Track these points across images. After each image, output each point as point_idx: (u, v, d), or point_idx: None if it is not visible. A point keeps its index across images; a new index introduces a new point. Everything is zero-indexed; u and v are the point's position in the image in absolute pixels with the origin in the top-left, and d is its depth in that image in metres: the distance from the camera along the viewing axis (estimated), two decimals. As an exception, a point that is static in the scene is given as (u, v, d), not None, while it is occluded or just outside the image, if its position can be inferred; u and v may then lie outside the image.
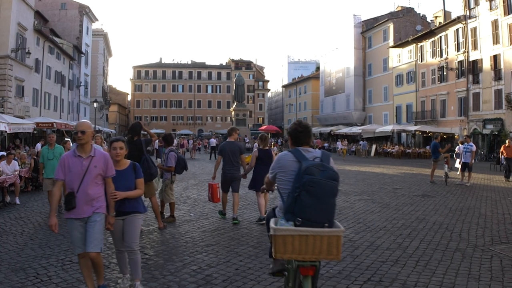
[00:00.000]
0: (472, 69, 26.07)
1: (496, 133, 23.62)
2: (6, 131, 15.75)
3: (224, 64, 69.52)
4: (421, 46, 31.96)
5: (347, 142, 32.15)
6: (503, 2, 22.99)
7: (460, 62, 27.33)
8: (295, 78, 66.19)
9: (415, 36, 32.07)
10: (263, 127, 36.35)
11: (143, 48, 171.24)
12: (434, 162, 11.57)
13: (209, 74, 65.97)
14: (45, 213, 6.81)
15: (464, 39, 26.80)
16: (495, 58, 23.98)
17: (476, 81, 25.79)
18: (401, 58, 34.81)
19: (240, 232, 5.47)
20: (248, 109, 35.83)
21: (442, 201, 8.21)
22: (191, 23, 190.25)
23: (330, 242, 2.39)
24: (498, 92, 23.91)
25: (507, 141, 12.58)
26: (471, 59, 26.12)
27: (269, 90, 74.88)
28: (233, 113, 34.28)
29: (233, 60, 67.90)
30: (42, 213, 6.87)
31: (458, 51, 27.51)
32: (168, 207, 6.45)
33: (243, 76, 64.70)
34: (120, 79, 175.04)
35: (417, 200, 8.35)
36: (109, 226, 3.17)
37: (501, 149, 12.75)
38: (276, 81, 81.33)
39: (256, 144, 9.64)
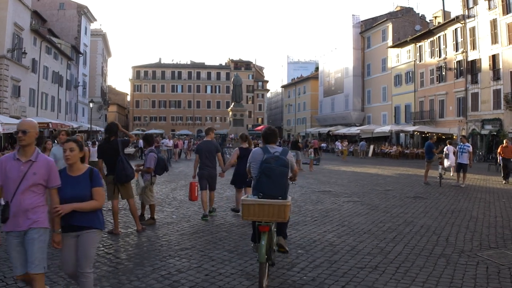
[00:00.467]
0: (470, 69, 25.84)
1: (495, 133, 23.38)
2: (0, 132, 15.65)
3: (223, 64, 69.42)
4: (419, 46, 31.75)
5: (347, 143, 31.48)
6: (502, 1, 22.76)
7: (459, 62, 27.10)
8: (294, 78, 66.05)
9: (413, 36, 31.86)
10: (259, 127, 36.20)
11: (142, 49, 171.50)
12: (428, 163, 11.36)
13: (209, 74, 65.86)
14: None
15: (462, 39, 26.58)
16: (494, 58, 23.75)
17: (474, 81, 25.57)
18: (399, 58, 34.60)
19: (219, 235, 5.29)
20: (246, 109, 35.64)
21: (434, 203, 8.01)
22: (191, 23, 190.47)
23: (280, 209, 3.45)
24: (496, 92, 23.67)
25: (504, 141, 12.08)
26: (469, 59, 25.89)
27: (269, 90, 74.74)
28: (230, 113, 34.05)
29: (232, 60, 67.78)
30: None
31: (456, 51, 27.29)
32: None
33: (243, 76, 64.66)
34: (119, 79, 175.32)
35: (407, 202, 8.15)
36: (55, 245, 2.74)
37: (499, 150, 12.28)
38: (276, 81, 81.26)
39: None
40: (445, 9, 34.17)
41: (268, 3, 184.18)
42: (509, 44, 22.50)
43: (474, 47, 25.51)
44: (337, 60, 43.89)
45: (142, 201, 6.25)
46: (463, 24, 26.32)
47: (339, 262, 4.09)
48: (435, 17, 34.87)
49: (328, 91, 46.86)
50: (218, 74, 65.85)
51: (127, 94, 70.04)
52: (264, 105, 70.20)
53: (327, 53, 46.93)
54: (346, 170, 16.14)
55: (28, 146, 2.73)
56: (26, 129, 2.74)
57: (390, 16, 37.67)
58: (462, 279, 3.70)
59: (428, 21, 36.28)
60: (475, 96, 25.62)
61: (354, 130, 34.82)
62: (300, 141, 25.97)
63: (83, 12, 39.62)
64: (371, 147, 29.72)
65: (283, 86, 69.20)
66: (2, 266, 3.98)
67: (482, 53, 24.80)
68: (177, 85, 64.64)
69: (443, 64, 28.55)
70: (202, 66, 66.77)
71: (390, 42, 35.58)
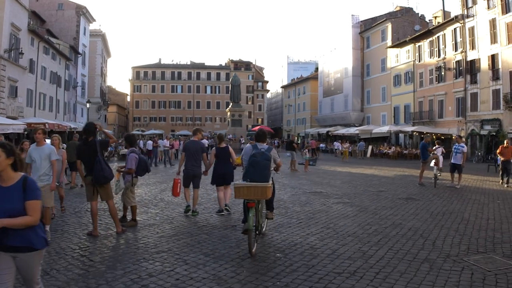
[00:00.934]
0: (470, 69, 25.62)
1: (494, 133, 23.14)
2: (-4, 132, 15.56)
3: (223, 64, 69.32)
4: (419, 46, 31.53)
5: (349, 144, 30.92)
6: (501, 0, 22.55)
7: (458, 62, 26.89)
8: (294, 78, 65.91)
9: (413, 36, 31.66)
10: (255, 128, 35.91)
11: (142, 49, 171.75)
12: (423, 164, 11.19)
13: (208, 74, 65.78)
14: None
15: (462, 39, 26.36)
16: (493, 58, 23.53)
17: (474, 81, 25.35)
18: (399, 58, 34.39)
19: (198, 238, 5.14)
20: (245, 110, 35.52)
21: (426, 205, 7.83)
22: (191, 24, 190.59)
23: (262, 190, 4.50)
24: (496, 92, 23.44)
25: (505, 142, 11.63)
26: (469, 58, 25.68)
27: (268, 90, 74.61)
28: (229, 113, 33.99)
29: (232, 61, 67.68)
30: None
31: (456, 51, 27.08)
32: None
33: (243, 77, 64.64)
34: (119, 80, 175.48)
35: (399, 203, 7.98)
36: None
37: (498, 150, 11.62)
38: (276, 82, 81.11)
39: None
40: (445, 9, 33.94)
41: (268, 4, 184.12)
42: (508, 44, 22.29)
43: (473, 47, 25.29)
44: (337, 60, 43.70)
45: (124, 203, 6.12)
46: (462, 24, 26.11)
47: (317, 267, 3.93)
48: (435, 17, 34.64)
49: (328, 92, 46.67)
50: (218, 75, 65.76)
51: (127, 95, 70.03)
52: (264, 106, 70.07)
53: (327, 53, 46.76)
54: (341, 171, 15.96)
55: None
56: None
57: (389, 16, 37.47)
58: (444, 286, 3.53)
59: (428, 21, 36.06)
60: (474, 96, 25.39)
61: (352, 130, 34.62)
62: (298, 141, 25.70)
63: (82, 12, 39.60)
64: (370, 147, 29.51)
65: (283, 87, 69.05)
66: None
67: (481, 53, 24.58)
68: (177, 86, 64.58)
69: (442, 64, 28.34)
70: (202, 66, 66.71)
71: (389, 42, 35.38)
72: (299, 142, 38.80)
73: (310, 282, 3.54)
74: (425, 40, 30.64)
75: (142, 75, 64.30)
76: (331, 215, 6.66)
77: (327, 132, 41.64)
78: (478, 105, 24.97)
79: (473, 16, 25.12)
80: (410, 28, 35.26)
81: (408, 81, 32.95)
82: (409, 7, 38.78)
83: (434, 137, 15.01)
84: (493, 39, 23.42)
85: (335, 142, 33.21)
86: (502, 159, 11.31)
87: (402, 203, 8.04)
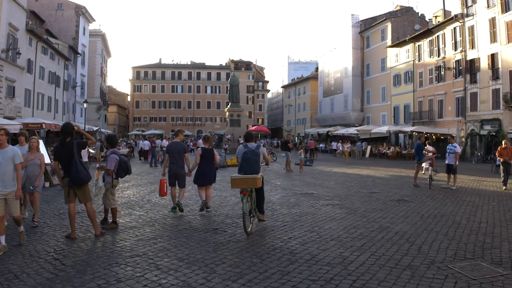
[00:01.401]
0: (469, 68, 25.37)
1: (494, 133, 22.87)
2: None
3: (223, 64, 69.22)
4: (418, 45, 31.28)
5: (350, 144, 30.44)
6: (501, -1, 22.31)
7: (458, 62, 26.64)
8: (294, 78, 65.70)
9: (412, 35, 31.41)
10: (253, 128, 35.86)
11: (143, 49, 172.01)
12: (418, 164, 10.99)
13: (209, 74, 65.69)
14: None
15: (461, 38, 26.11)
16: (493, 57, 23.27)
17: (473, 80, 25.08)
18: (398, 58, 34.14)
19: (177, 241, 4.99)
20: (243, 110, 35.35)
21: (417, 207, 7.65)
22: (191, 24, 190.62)
23: (254, 180, 5.49)
24: (495, 92, 23.18)
25: (503, 142, 11.13)
26: (468, 58, 25.42)
27: (269, 90, 74.43)
28: (227, 113, 33.84)
29: (232, 61, 67.57)
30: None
31: (455, 50, 26.82)
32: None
33: (243, 77, 64.53)
34: (120, 80, 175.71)
35: (390, 205, 7.80)
36: None
37: (497, 152, 11.12)
38: (277, 81, 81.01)
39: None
40: (446, 8, 33.62)
41: (268, 4, 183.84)
42: (508, 43, 22.03)
43: (473, 46, 25.03)
44: (337, 60, 43.48)
45: (104, 205, 5.98)
46: (462, 23, 25.85)
47: (292, 274, 3.77)
48: (436, 16, 34.34)
49: (328, 91, 46.45)
50: (218, 75, 65.66)
51: (127, 95, 70.06)
52: (264, 106, 69.90)
53: (327, 53, 46.54)
54: (337, 171, 15.77)
55: None
56: None
57: (389, 16, 37.22)
58: (424, 295, 3.36)
59: (428, 20, 35.78)
60: (474, 96, 25.13)
61: (352, 130, 34.40)
62: (298, 141, 25.49)
63: (81, 12, 39.57)
64: (369, 147, 29.28)
65: (283, 87, 68.89)
66: None
67: (481, 52, 24.32)
68: (177, 86, 64.54)
69: (442, 64, 28.08)
70: (202, 66, 66.64)
71: (389, 41, 35.14)
72: (297, 141, 38.56)
73: (282, 290, 3.38)
74: (424, 39, 30.39)
75: (142, 75, 64.28)
76: (318, 217, 6.49)
77: (327, 132, 41.43)
78: (478, 105, 24.70)
79: (473, 15, 24.86)
80: (410, 27, 35.00)
81: (408, 81, 32.70)
82: (409, 7, 38.51)
83: (425, 136, 14.36)
84: (493, 38, 23.16)
85: (333, 142, 33.01)
86: (501, 160, 10.83)
87: (393, 205, 7.86)
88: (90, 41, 43.88)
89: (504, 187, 10.49)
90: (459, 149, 10.53)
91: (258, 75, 69.69)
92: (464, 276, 3.77)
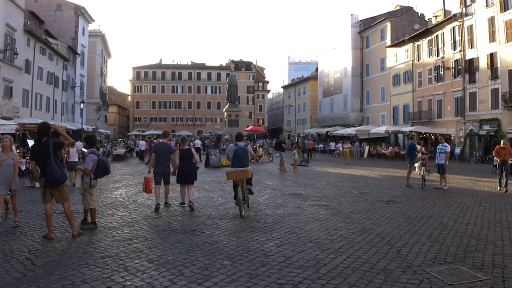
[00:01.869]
0: (468, 68, 25.17)
1: (493, 133, 22.65)
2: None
3: (224, 65, 69.18)
4: (418, 45, 31.09)
5: (350, 144, 30.16)
6: (500, -2, 22.10)
7: (457, 61, 26.44)
8: (295, 79, 65.57)
9: (411, 35, 31.22)
10: (249, 128, 35.63)
11: (143, 50, 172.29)
12: (410, 164, 10.85)
13: (209, 75, 65.66)
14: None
15: (460, 37, 25.91)
16: (492, 57, 23.06)
17: (472, 80, 24.88)
18: (398, 57, 33.95)
19: (152, 242, 4.91)
20: (241, 110, 35.26)
21: (405, 208, 7.53)
22: (191, 24, 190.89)
23: (245, 172, 6.63)
24: (494, 92, 22.97)
25: (502, 142, 10.84)
26: (467, 57, 25.22)
27: (269, 91, 74.33)
28: (225, 113, 33.79)
29: (233, 61, 67.52)
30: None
31: (454, 50, 26.62)
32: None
33: (243, 77, 64.48)
34: (121, 80, 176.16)
35: (378, 206, 7.68)
36: None
37: (495, 151, 10.63)
38: (278, 82, 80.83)
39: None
40: (445, 8, 33.38)
41: (269, 4, 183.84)
42: (507, 42, 21.82)
43: (471, 46, 24.83)
44: (336, 60, 43.32)
45: (83, 205, 5.91)
46: (461, 22, 25.66)
47: (260, 277, 3.67)
48: (436, 16, 34.10)
49: (327, 92, 46.29)
50: (219, 75, 65.61)
51: (128, 95, 70.15)
52: (265, 106, 69.79)
53: (326, 53, 46.38)
54: (331, 172, 15.63)
55: None
56: None
57: (389, 16, 37.03)
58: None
59: (427, 20, 35.55)
60: (473, 95, 24.92)
61: (350, 130, 34.23)
62: (297, 140, 25.31)
63: (81, 13, 39.64)
64: (367, 148, 29.11)
65: (283, 87, 68.77)
66: None
67: (479, 52, 24.12)
68: (177, 86, 64.55)
69: (441, 64, 27.89)
70: (202, 66, 66.62)
71: (388, 41, 34.95)
72: (298, 141, 38.35)
73: (246, 294, 3.29)
74: (424, 39, 30.20)
75: (142, 75, 64.35)
76: (301, 218, 6.38)
77: (326, 132, 41.28)
78: (477, 105, 24.49)
79: (472, 14, 24.67)
80: (410, 27, 34.80)
81: (407, 81, 32.51)
82: (409, 6, 38.29)
83: (414, 136, 14.00)
84: (492, 37, 22.96)
85: (331, 143, 32.84)
86: (498, 159, 10.53)
87: (381, 206, 7.74)
88: (89, 42, 43.94)
89: (499, 189, 10.13)
90: (449, 149, 10.34)
91: (258, 75, 69.61)
92: (440, 281, 3.62)
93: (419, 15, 37.18)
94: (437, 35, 28.62)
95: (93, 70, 45.87)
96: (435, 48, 28.81)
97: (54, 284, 3.51)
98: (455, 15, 26.23)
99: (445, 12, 31.95)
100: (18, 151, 13.78)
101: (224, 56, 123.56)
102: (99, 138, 39.58)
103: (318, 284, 3.52)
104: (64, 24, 38.92)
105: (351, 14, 40.27)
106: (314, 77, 54.44)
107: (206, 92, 65.22)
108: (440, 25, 28.04)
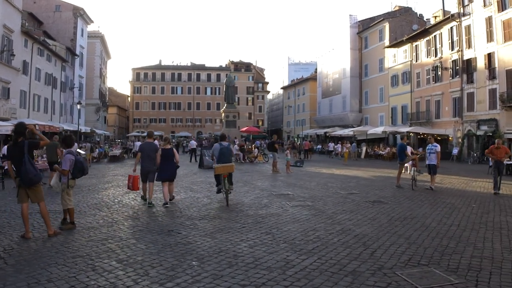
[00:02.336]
0: (466, 68, 25.05)
1: (490, 134, 22.50)
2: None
3: (223, 66, 69.22)
4: (416, 45, 30.99)
5: (349, 145, 29.91)
6: (497, -2, 21.99)
7: (454, 61, 26.32)
8: (294, 79, 65.51)
9: (409, 36, 31.12)
10: (244, 129, 35.64)
11: (143, 51, 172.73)
12: (400, 165, 10.78)
13: (208, 76, 65.71)
14: None
15: (458, 37, 25.80)
16: (489, 57, 22.94)
17: (470, 80, 24.75)
18: (396, 58, 33.86)
19: (125, 243, 4.87)
20: (238, 111, 35.20)
21: (391, 209, 7.46)
22: (191, 25, 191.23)
23: (230, 167, 7.96)
24: (492, 92, 22.84)
25: (496, 141, 10.25)
26: (465, 57, 25.11)
27: (269, 92, 74.28)
28: (223, 114, 33.72)
29: (232, 62, 67.55)
30: None
31: (452, 50, 26.51)
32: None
33: (243, 78, 64.51)
34: (121, 81, 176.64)
35: (363, 207, 7.61)
36: None
37: (488, 150, 10.16)
38: (277, 83, 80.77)
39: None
40: (444, 8, 33.24)
41: (269, 4, 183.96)
42: (505, 42, 21.70)
43: (469, 46, 24.71)
44: (335, 61, 43.25)
45: (62, 205, 5.89)
46: (459, 22, 25.55)
47: (224, 278, 3.62)
48: (435, 16, 33.97)
49: (326, 92, 46.21)
50: (218, 76, 65.65)
51: (128, 96, 70.31)
52: (264, 107, 69.76)
53: (325, 54, 46.33)
54: (324, 173, 15.56)
55: None
56: None
57: (387, 16, 36.94)
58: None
59: (426, 20, 35.43)
60: (470, 96, 24.79)
61: (348, 131, 34.14)
62: (297, 141, 25.27)
63: (79, 14, 39.77)
64: (364, 148, 29.01)
65: (283, 88, 68.72)
66: None
67: (477, 52, 24.00)
68: (177, 87, 64.62)
69: (438, 64, 27.78)
70: (202, 67, 66.67)
71: (387, 42, 34.86)
72: (294, 141, 38.30)
73: (206, 295, 3.24)
74: (422, 39, 30.10)
75: (142, 76, 64.48)
76: (282, 219, 6.33)
77: (325, 133, 41.20)
78: (475, 105, 24.36)
79: (469, 14, 24.56)
80: (408, 27, 34.70)
81: (405, 81, 32.40)
82: (407, 7, 38.19)
83: (405, 137, 13.62)
84: (490, 37, 22.84)
85: (330, 143, 32.75)
86: (492, 159, 10.06)
87: (366, 206, 7.68)
88: (88, 43, 44.05)
89: (494, 192, 9.59)
90: (439, 148, 10.22)
91: (258, 76, 69.60)
92: (408, 284, 3.52)
93: (418, 15, 37.09)
94: (435, 35, 28.52)
95: (92, 71, 45.99)
96: (433, 48, 28.71)
97: (20, 282, 3.52)
98: (452, 15, 26.14)
99: (445, 12, 31.83)
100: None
101: (223, 57, 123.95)
102: (98, 139, 39.64)
103: (281, 286, 3.47)
104: (63, 25, 39.06)
105: (350, 15, 40.23)
106: (313, 78, 54.39)
107: (205, 93, 65.25)
108: (438, 25, 27.94)
